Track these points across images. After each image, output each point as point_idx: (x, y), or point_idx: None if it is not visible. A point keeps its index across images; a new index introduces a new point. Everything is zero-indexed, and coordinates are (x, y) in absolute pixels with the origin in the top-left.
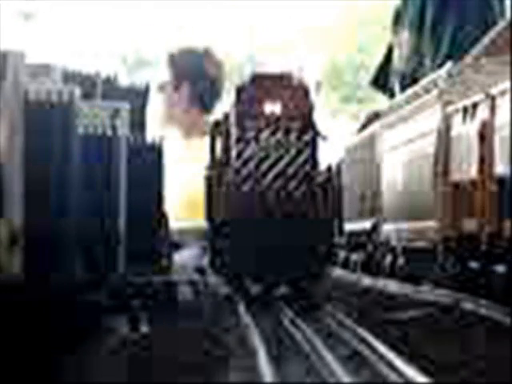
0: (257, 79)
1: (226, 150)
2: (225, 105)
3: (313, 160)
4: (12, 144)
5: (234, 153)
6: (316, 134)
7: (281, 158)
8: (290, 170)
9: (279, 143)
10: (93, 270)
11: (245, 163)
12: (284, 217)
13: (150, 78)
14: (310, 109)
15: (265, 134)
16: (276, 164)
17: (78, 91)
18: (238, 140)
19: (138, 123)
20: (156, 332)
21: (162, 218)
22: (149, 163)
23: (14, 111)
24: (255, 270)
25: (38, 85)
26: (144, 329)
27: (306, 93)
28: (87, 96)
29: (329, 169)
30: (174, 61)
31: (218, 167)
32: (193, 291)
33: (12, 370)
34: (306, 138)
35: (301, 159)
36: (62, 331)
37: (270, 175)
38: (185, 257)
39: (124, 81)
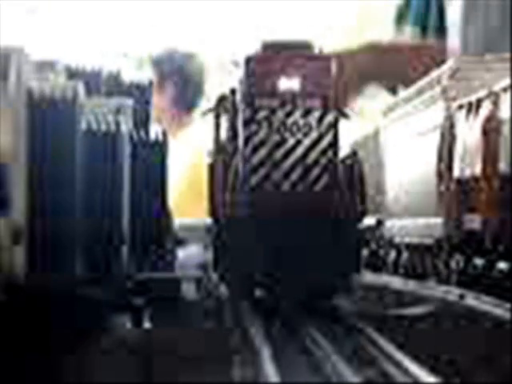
0: (270, 49)
1: (233, 133)
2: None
3: (335, 146)
4: (15, 143)
5: (242, 137)
6: (341, 114)
7: (299, 143)
8: (310, 158)
9: (297, 125)
10: (95, 269)
11: (255, 150)
12: (302, 216)
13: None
14: (334, 84)
15: (280, 115)
16: (293, 150)
17: (81, 87)
18: (248, 122)
19: (142, 119)
20: (158, 329)
21: (166, 214)
22: (152, 160)
23: (17, 110)
24: (266, 281)
25: (42, 81)
26: (147, 325)
27: (329, 65)
28: (91, 92)
29: (354, 153)
30: (159, 61)
31: (223, 154)
32: (196, 288)
33: (12, 369)
34: (329, 119)
35: (323, 144)
36: (62, 330)
37: (286, 164)
38: (188, 253)
39: (127, 77)
